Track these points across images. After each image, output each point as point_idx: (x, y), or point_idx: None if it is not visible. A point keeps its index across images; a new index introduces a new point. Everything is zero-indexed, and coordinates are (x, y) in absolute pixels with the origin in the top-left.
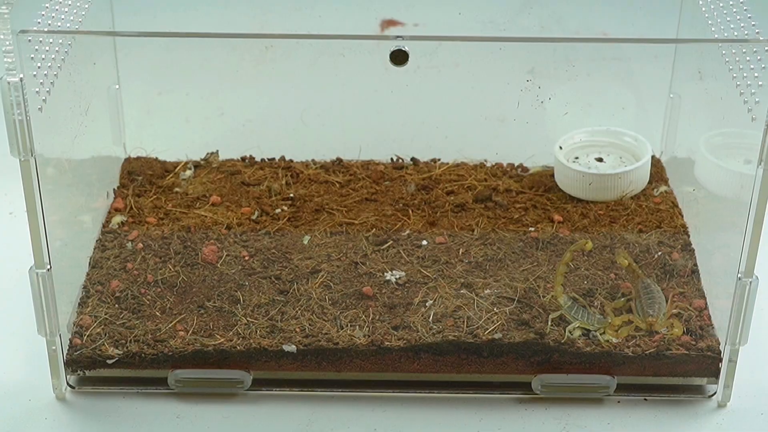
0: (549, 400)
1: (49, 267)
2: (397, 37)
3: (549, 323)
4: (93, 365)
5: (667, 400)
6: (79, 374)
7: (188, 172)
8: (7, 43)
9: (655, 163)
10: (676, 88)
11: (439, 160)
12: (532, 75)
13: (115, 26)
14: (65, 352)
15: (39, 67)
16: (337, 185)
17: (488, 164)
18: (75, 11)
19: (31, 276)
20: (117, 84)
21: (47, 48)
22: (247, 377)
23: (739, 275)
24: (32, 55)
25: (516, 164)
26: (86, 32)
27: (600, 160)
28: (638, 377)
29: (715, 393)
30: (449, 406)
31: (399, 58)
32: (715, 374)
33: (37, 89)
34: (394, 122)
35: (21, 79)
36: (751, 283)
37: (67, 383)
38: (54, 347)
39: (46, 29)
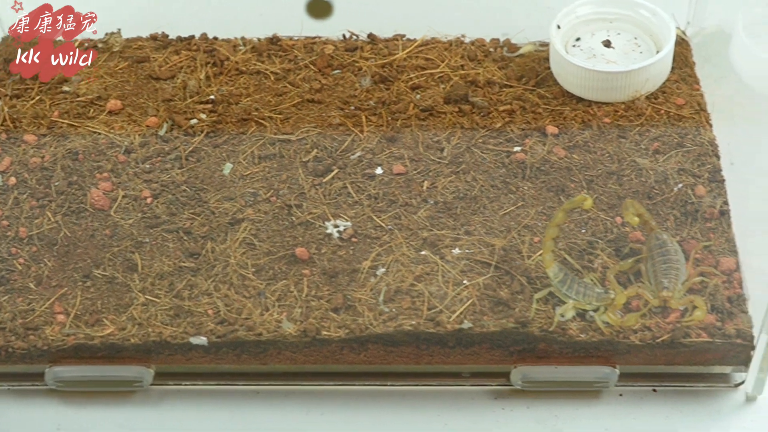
0: (532, 394)
1: None
2: None
3: (534, 304)
4: None
5: (681, 391)
6: None
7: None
8: None
9: (679, 42)
10: None
11: (403, 36)
12: None
13: None
14: None
15: None
16: (272, 77)
17: (466, 40)
18: None
19: None
20: None
21: None
22: (147, 373)
23: None
24: None
25: (502, 40)
26: None
27: (607, 44)
28: (646, 366)
29: (743, 382)
30: (405, 402)
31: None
32: (744, 362)
33: None
34: None
35: None
36: None
37: None
38: None
39: None
